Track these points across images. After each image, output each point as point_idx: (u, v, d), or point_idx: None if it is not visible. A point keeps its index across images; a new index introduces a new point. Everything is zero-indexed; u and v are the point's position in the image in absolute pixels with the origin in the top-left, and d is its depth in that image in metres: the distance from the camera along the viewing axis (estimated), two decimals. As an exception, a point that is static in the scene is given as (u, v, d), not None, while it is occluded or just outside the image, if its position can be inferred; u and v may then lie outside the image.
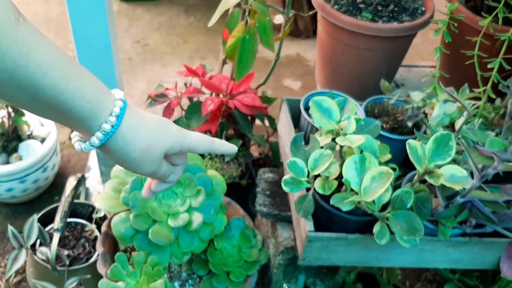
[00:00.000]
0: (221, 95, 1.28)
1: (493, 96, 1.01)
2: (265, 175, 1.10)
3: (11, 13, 0.37)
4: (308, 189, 0.89)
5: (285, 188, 0.85)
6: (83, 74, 0.45)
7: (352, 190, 0.80)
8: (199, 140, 0.58)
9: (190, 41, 2.09)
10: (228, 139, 1.41)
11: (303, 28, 2.20)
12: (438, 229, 0.87)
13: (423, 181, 0.87)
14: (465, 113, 1.03)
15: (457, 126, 0.95)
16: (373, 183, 0.78)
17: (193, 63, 1.95)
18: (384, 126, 1.09)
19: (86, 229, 1.26)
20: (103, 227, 1.09)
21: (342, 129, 0.82)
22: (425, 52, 1.87)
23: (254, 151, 1.59)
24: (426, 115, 1.07)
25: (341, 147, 0.87)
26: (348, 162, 0.80)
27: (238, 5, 1.19)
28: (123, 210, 0.99)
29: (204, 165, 1.45)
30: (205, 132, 1.53)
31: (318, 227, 0.89)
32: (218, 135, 1.40)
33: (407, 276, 1.52)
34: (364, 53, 1.22)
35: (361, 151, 0.84)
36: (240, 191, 1.47)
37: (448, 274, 1.05)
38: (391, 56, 1.25)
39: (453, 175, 0.82)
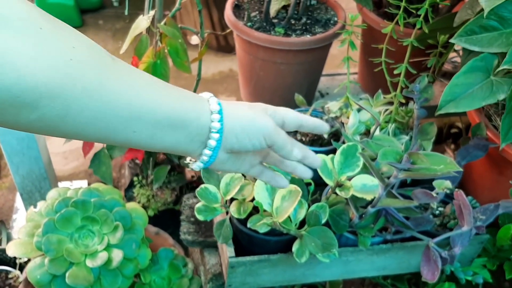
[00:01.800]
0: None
1: (403, 101, 1.03)
2: (189, 201, 1.07)
3: (107, 54, 0.43)
4: (227, 213, 0.87)
5: (199, 217, 0.82)
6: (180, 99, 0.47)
7: (265, 211, 0.79)
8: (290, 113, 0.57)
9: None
10: (157, 164, 1.37)
11: (234, 44, 2.20)
12: (358, 240, 0.87)
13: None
14: (381, 118, 1.04)
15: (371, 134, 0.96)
16: (284, 202, 0.77)
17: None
18: (304, 139, 1.09)
19: (10, 275, 1.19)
20: (23, 274, 1.03)
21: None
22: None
23: (188, 173, 1.56)
24: (343, 124, 1.07)
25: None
26: (258, 183, 0.79)
27: (148, 29, 1.17)
28: (38, 255, 0.94)
29: (136, 193, 1.41)
30: (132, 160, 1.49)
31: (240, 251, 0.88)
32: (146, 162, 1.36)
33: (352, 283, 1.53)
34: (282, 67, 1.22)
35: (272, 171, 0.82)
36: (176, 217, 1.43)
37: (381, 280, 1.06)
38: (308, 68, 1.25)
39: (364, 184, 0.83)
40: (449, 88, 0.87)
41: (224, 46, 2.21)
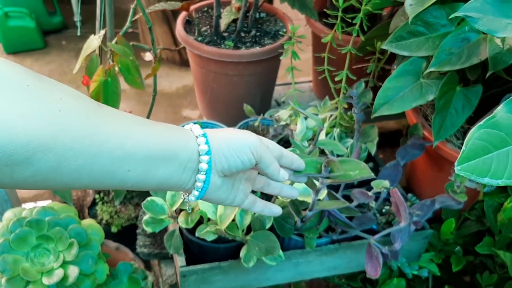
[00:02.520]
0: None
1: (346, 106, 1.07)
2: (145, 215, 1.09)
3: (92, 101, 0.44)
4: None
5: (147, 229, 0.85)
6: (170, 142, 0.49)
7: (209, 219, 0.82)
8: (273, 142, 0.60)
9: (83, 86, 2.05)
10: (119, 181, 1.39)
11: (198, 57, 2.23)
12: (304, 241, 0.91)
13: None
14: (325, 124, 1.08)
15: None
16: (226, 210, 0.80)
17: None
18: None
19: (-28, 301, 1.18)
20: (-17, 297, 1.04)
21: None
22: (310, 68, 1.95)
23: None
24: (292, 131, 1.11)
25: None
26: (202, 193, 0.81)
27: (101, 48, 1.20)
28: (-6, 277, 0.94)
29: (99, 210, 1.42)
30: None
31: (193, 260, 0.90)
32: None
33: (319, 285, 1.56)
34: (234, 78, 1.26)
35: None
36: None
37: (336, 280, 1.09)
38: (260, 78, 1.29)
39: (306, 188, 0.86)
40: (382, 91, 0.91)
41: (187, 61, 2.24)
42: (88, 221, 1.05)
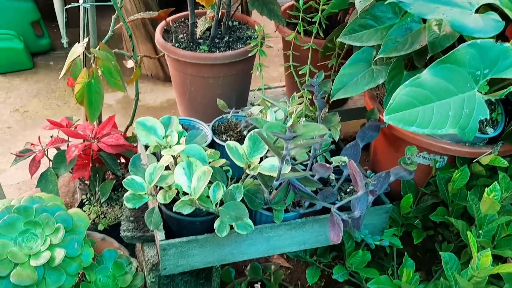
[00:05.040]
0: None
1: (310, 96, 1.17)
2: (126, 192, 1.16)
3: None
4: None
5: (128, 205, 0.93)
6: None
7: (185, 193, 0.90)
8: None
9: (71, 101, 2.15)
10: (104, 180, 1.46)
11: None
12: (273, 215, 0.99)
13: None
14: (293, 115, 1.18)
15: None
16: (200, 183, 0.88)
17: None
18: (229, 139, 1.21)
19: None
20: (-26, 287, 1.09)
21: (168, 142, 0.93)
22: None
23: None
24: (263, 123, 1.21)
25: (175, 158, 0.97)
26: (176, 169, 0.90)
27: (85, 56, 1.30)
28: (-16, 261, 1.00)
29: (87, 210, 1.49)
30: (81, 182, 1.57)
31: (172, 237, 0.97)
32: (93, 179, 1.45)
33: (299, 277, 1.63)
34: (210, 81, 1.36)
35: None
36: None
37: (308, 258, 1.17)
38: (234, 80, 1.40)
39: (273, 165, 0.95)
40: (338, 78, 1.02)
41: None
42: (74, 210, 1.12)
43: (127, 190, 0.93)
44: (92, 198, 1.49)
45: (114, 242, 1.22)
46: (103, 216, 1.48)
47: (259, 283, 1.47)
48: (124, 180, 0.92)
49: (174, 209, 0.92)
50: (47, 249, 1.00)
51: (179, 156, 0.96)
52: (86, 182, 1.53)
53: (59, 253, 1.00)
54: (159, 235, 0.96)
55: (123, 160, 1.53)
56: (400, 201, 1.11)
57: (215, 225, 0.93)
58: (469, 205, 1.00)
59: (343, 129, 1.19)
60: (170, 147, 0.92)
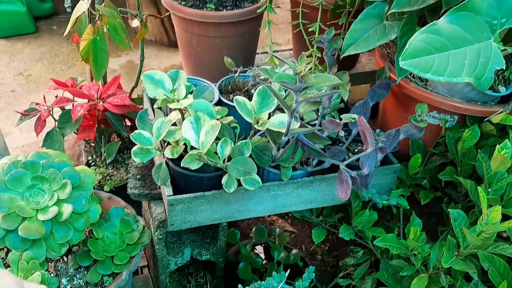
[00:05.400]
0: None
1: (319, 55, 1.15)
2: (135, 162, 1.16)
3: None
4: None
5: (136, 159, 0.92)
6: None
7: (192, 148, 0.89)
8: None
9: (75, 66, 2.13)
10: (110, 142, 1.46)
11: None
12: (281, 172, 0.98)
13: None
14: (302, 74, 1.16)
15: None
16: (207, 137, 0.87)
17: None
18: (239, 92, 1.19)
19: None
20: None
21: (175, 97, 0.91)
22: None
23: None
24: (270, 82, 1.19)
25: (183, 114, 0.96)
26: (184, 124, 0.89)
27: (90, 13, 1.27)
28: (-8, 215, 1.01)
29: (93, 171, 1.49)
30: (87, 144, 1.57)
31: (179, 193, 0.97)
32: (98, 141, 1.45)
33: (303, 241, 1.64)
34: (216, 40, 1.34)
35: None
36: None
37: (314, 218, 1.17)
38: (241, 40, 1.37)
39: (281, 122, 0.94)
40: (349, 33, 1.00)
41: (175, 42, 2.32)
42: (81, 167, 1.12)
43: (134, 147, 0.92)
44: (97, 160, 1.49)
45: (121, 201, 1.22)
46: (108, 178, 1.49)
47: (262, 245, 1.48)
48: (132, 134, 0.91)
49: (181, 165, 0.92)
50: (54, 204, 1.00)
51: (187, 111, 0.95)
52: (92, 144, 1.53)
53: (67, 208, 1.00)
54: (167, 190, 0.96)
55: (128, 123, 1.52)
56: (408, 162, 1.10)
57: (223, 181, 0.92)
58: (478, 164, 0.99)
59: (350, 95, 1.18)
60: (178, 101, 0.90)
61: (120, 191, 1.49)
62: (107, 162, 1.41)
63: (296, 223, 1.69)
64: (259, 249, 1.48)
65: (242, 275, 1.30)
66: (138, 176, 1.13)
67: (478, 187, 0.83)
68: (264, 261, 1.41)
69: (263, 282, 1.04)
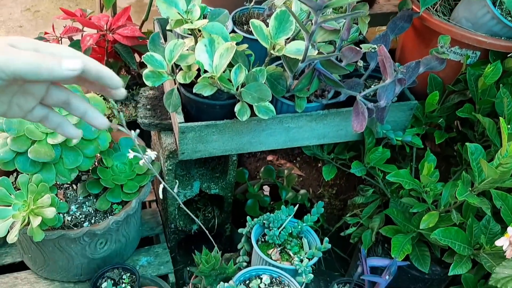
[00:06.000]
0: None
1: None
2: (145, 92, 1.14)
3: None
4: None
5: (147, 82, 0.89)
6: None
7: (206, 71, 0.87)
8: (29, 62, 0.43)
9: (83, 3, 2.07)
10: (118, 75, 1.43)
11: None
12: (295, 104, 0.96)
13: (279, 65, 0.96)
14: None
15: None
16: (222, 60, 0.85)
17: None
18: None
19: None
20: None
21: (189, 18, 0.88)
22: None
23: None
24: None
25: (196, 38, 0.92)
26: (198, 46, 0.86)
27: None
28: (1, 138, 1.00)
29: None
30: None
31: (191, 121, 0.95)
32: (107, 74, 1.42)
33: (310, 184, 1.64)
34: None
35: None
36: (140, 127, 1.50)
37: (325, 155, 1.15)
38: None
39: (298, 49, 0.90)
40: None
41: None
42: (90, 94, 1.10)
43: (146, 70, 0.90)
44: (106, 94, 1.47)
45: (131, 133, 1.21)
46: (117, 113, 1.47)
47: (270, 186, 1.47)
48: (144, 56, 0.88)
49: (194, 91, 0.89)
50: (64, 129, 0.99)
51: (200, 35, 0.92)
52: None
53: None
54: (178, 117, 0.94)
55: (137, 60, 1.49)
56: (425, 101, 1.08)
57: (236, 108, 0.90)
58: (498, 102, 0.96)
59: (366, 37, 1.14)
60: (192, 22, 0.87)
61: (129, 127, 1.47)
62: (117, 102, 1.38)
63: (304, 167, 1.68)
64: (267, 190, 1.47)
65: (250, 211, 1.30)
66: (148, 106, 1.11)
67: (500, 118, 0.80)
68: (272, 202, 1.42)
69: (271, 214, 1.04)
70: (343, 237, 1.25)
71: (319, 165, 1.66)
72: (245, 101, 0.87)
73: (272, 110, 0.90)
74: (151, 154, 0.88)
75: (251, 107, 0.90)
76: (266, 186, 1.46)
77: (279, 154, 1.72)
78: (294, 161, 1.70)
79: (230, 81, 0.89)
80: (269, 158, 1.71)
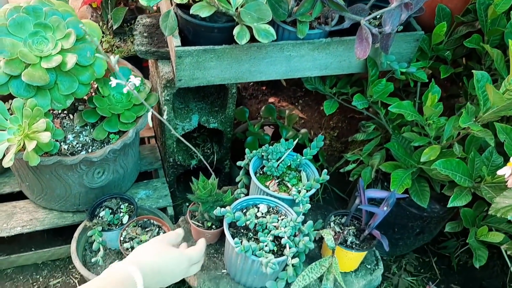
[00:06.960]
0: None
1: None
2: (142, 20, 1.10)
3: None
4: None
5: (143, 1, 0.86)
6: None
7: (204, -10, 0.83)
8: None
9: None
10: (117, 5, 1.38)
11: None
12: (297, 29, 0.92)
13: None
14: None
15: None
16: (220, -23, 0.80)
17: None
18: None
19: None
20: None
21: None
22: None
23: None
24: None
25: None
26: (196, -38, 0.82)
27: None
28: (-5, 62, 0.97)
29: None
30: (94, 10, 1.50)
31: (188, 46, 0.92)
32: (104, 6, 1.38)
33: (312, 126, 1.62)
34: None
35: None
36: (139, 63, 1.47)
37: (327, 89, 1.12)
38: None
39: (301, -31, 0.86)
40: None
41: None
42: (86, 20, 1.06)
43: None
44: (104, 27, 1.43)
45: (128, 64, 1.18)
46: (115, 48, 1.44)
47: (271, 126, 1.46)
48: (138, -28, 0.84)
49: (191, 11, 0.86)
50: (58, 53, 0.96)
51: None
52: (98, 11, 1.46)
53: (71, 58, 0.96)
54: (175, 41, 0.91)
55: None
56: (431, 33, 1.04)
57: (235, 31, 0.87)
58: (508, 32, 0.92)
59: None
60: None
61: (127, 61, 1.44)
62: (114, 28, 1.35)
63: (306, 110, 1.66)
64: (267, 131, 1.46)
65: (250, 148, 1.28)
66: (145, 34, 1.08)
67: (510, 40, 0.77)
68: (272, 142, 1.40)
69: (270, 147, 1.03)
70: (342, 177, 1.25)
71: (321, 108, 1.63)
72: (244, 21, 0.84)
73: (273, 33, 0.86)
74: (135, 80, 0.85)
75: (250, 31, 0.87)
76: (267, 127, 1.45)
77: (281, 97, 1.69)
78: (296, 103, 1.68)
79: (229, 2, 0.85)
80: (271, 100, 1.68)
